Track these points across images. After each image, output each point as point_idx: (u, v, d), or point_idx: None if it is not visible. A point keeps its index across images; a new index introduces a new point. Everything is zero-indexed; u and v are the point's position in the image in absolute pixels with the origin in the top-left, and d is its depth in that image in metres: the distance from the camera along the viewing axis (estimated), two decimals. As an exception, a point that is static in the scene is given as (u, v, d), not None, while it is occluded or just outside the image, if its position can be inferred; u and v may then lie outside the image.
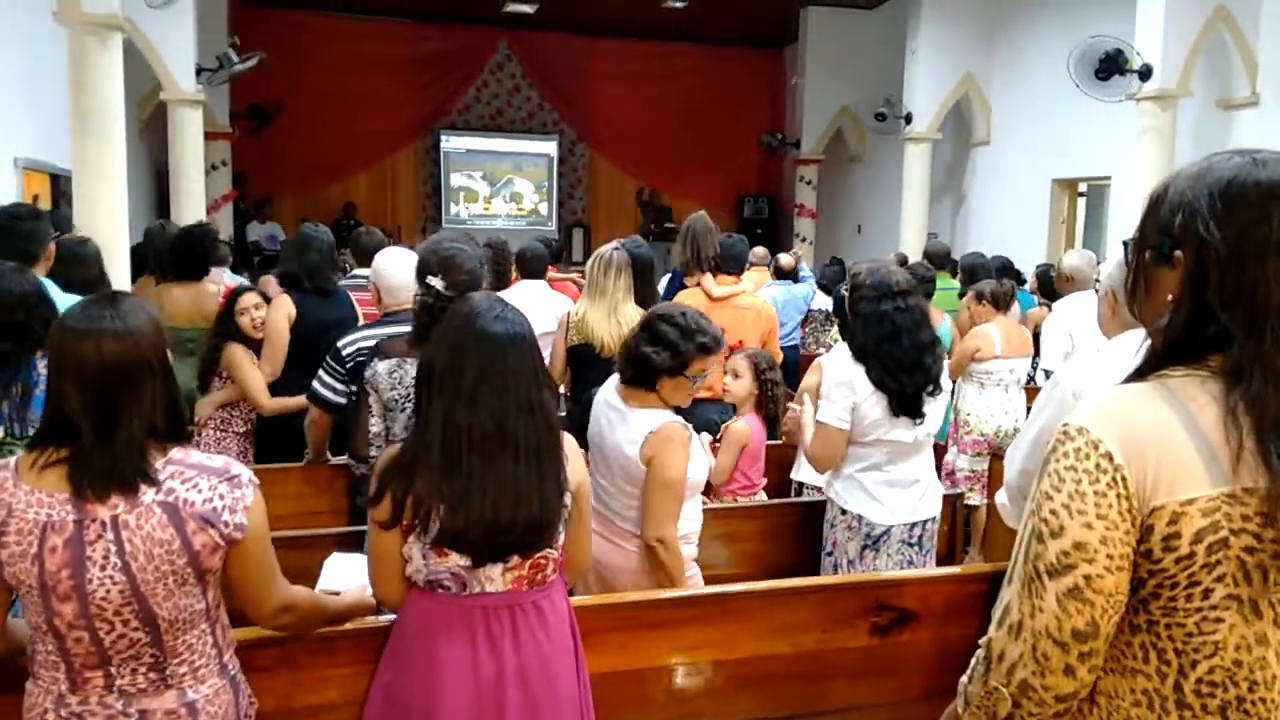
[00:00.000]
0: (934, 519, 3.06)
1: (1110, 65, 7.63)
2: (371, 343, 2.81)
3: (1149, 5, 7.43)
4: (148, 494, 1.57)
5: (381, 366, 2.65)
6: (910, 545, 2.99)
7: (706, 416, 4.41)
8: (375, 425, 2.68)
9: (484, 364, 1.82)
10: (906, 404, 2.88)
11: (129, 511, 1.56)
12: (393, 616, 2.01)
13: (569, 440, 2.01)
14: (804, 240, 13.83)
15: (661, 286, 5.55)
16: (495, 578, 1.86)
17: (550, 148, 15.86)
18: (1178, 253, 1.11)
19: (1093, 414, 1.11)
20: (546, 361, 4.15)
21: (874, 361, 2.90)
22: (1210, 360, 1.08)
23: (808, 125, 13.86)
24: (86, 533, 1.54)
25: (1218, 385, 1.06)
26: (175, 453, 1.63)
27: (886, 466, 2.97)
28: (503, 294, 4.70)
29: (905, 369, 2.88)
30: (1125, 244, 1.24)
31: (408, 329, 2.66)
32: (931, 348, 2.95)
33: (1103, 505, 1.06)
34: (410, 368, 2.62)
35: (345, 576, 2.21)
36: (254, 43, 9.91)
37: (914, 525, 3.00)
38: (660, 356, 2.52)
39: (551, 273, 6.01)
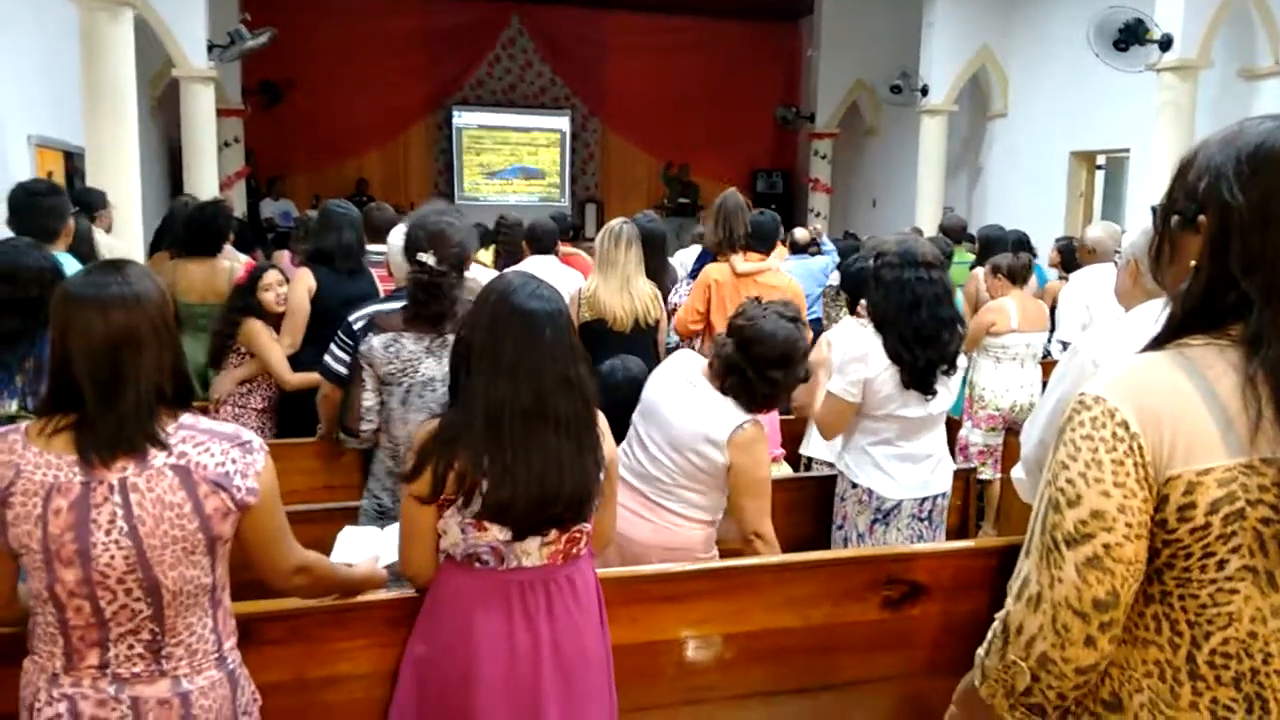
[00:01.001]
0: (944, 494, 3.05)
1: (1129, 35, 7.50)
2: (369, 318, 2.82)
3: (1170, -27, 7.30)
4: (159, 457, 1.57)
5: (376, 341, 2.65)
6: (920, 520, 2.98)
7: None
8: (369, 399, 2.68)
9: (522, 340, 1.83)
10: (919, 377, 2.86)
11: (139, 474, 1.56)
12: (408, 591, 2.02)
13: (600, 416, 2.01)
14: (818, 215, 13.74)
15: (689, 262, 5.54)
16: (532, 551, 1.88)
17: (563, 123, 15.79)
18: (1202, 217, 1.09)
19: (1109, 383, 1.09)
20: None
21: (892, 330, 2.88)
22: (1231, 329, 1.06)
23: (822, 99, 13.74)
24: (93, 495, 1.54)
25: (1237, 354, 1.05)
26: (186, 418, 1.63)
27: (898, 441, 2.96)
28: (512, 269, 4.75)
29: (921, 341, 2.86)
30: (1153, 209, 1.21)
31: (401, 306, 2.66)
32: (951, 324, 2.92)
33: (1120, 473, 1.04)
34: (407, 342, 2.62)
35: (358, 550, 2.22)
36: (265, 18, 9.87)
37: (924, 500, 2.99)
38: (761, 389, 2.56)
39: (564, 247, 6.00)
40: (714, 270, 4.45)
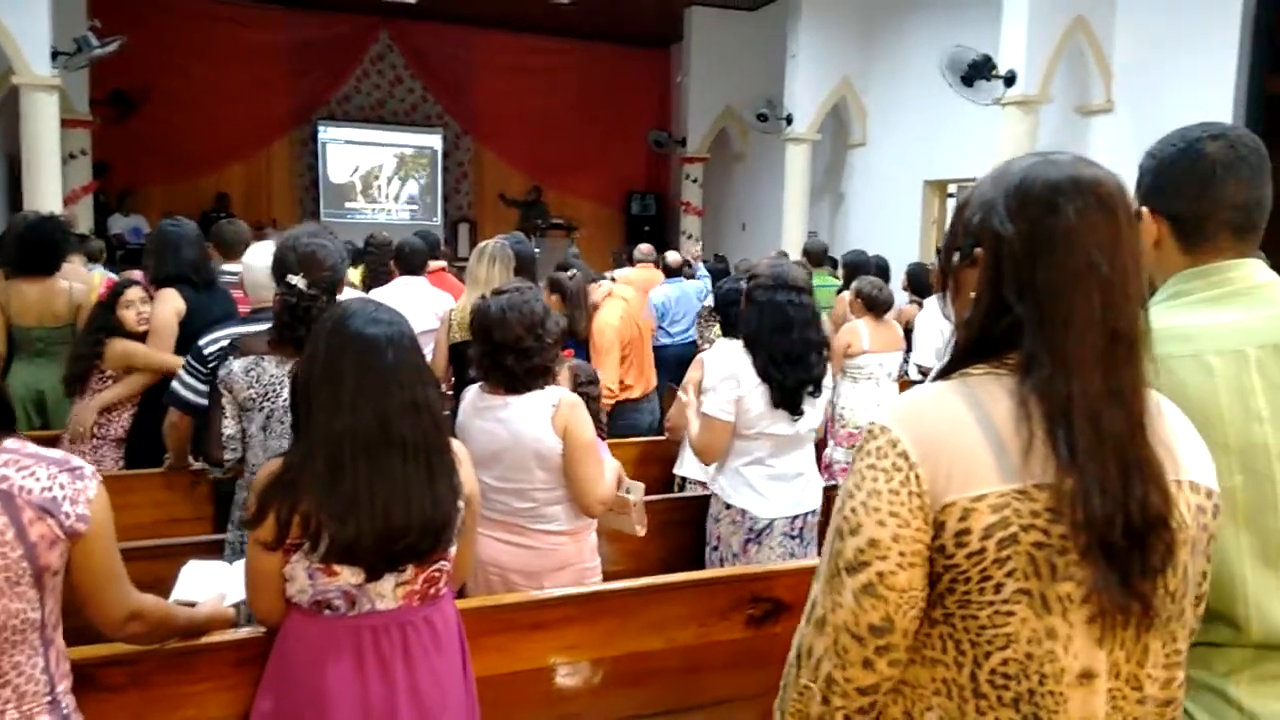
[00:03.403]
0: (814, 511, 3.14)
1: (977, 71, 7.96)
2: (229, 341, 2.70)
3: (1013, 14, 7.78)
4: None
5: (237, 365, 2.54)
6: (792, 538, 3.05)
7: (636, 419, 4.45)
8: (230, 427, 2.56)
9: (363, 368, 1.76)
10: (787, 397, 2.94)
11: None
12: (259, 630, 1.93)
13: (459, 446, 1.97)
14: (690, 237, 13.98)
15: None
16: (386, 594, 1.80)
17: (435, 141, 15.57)
18: (978, 250, 1.14)
19: (893, 413, 1.13)
20: (428, 360, 4.11)
21: (762, 350, 2.95)
22: (1009, 358, 1.10)
23: (693, 124, 14.01)
24: None
25: (1013, 380, 1.09)
26: (10, 442, 1.52)
27: (769, 460, 3.02)
28: (381, 291, 4.65)
29: (790, 362, 2.94)
30: (938, 250, 1.27)
31: (264, 329, 2.57)
32: (818, 347, 3.01)
33: (895, 503, 1.07)
34: (269, 366, 2.52)
35: (202, 586, 2.11)
36: (117, 25, 9.37)
37: (795, 518, 3.06)
38: (525, 363, 2.56)
39: (436, 264, 5.91)
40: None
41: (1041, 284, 1.07)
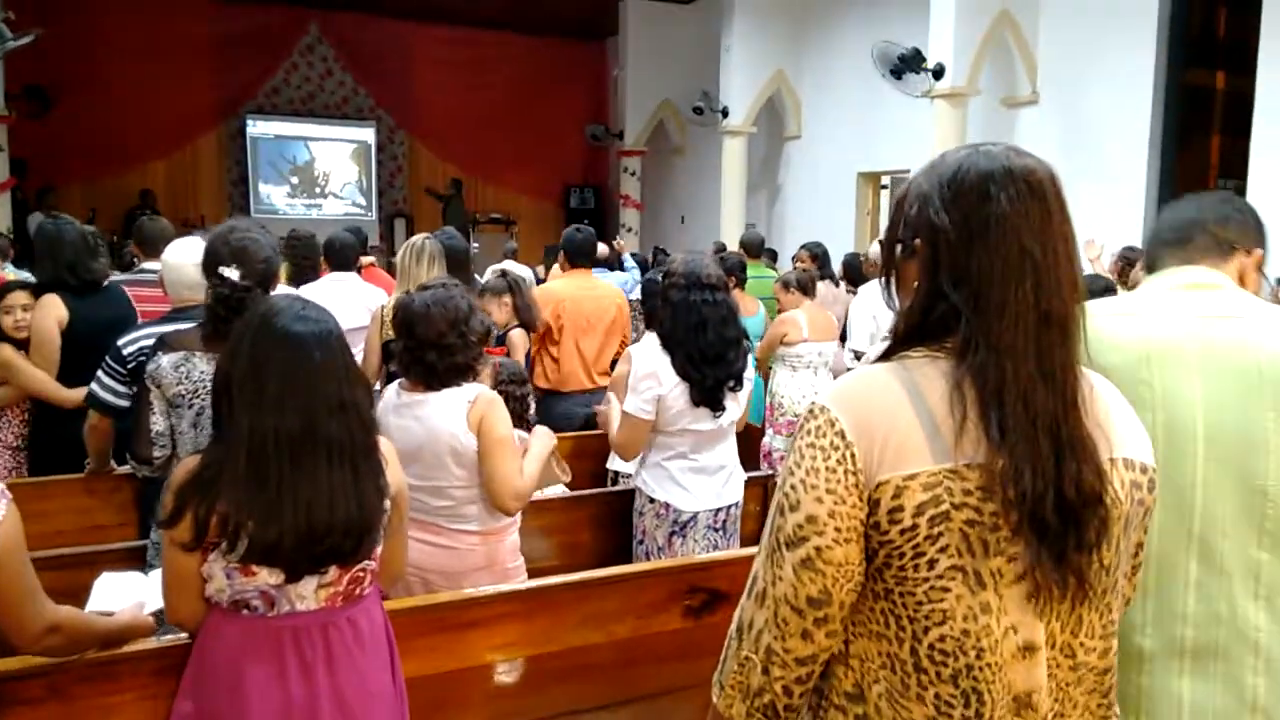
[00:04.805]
0: (737, 504, 3.15)
1: (907, 64, 8.09)
2: (154, 340, 2.63)
3: (940, 8, 7.92)
4: None
5: (166, 360, 2.47)
6: (716, 530, 3.07)
7: (572, 409, 4.43)
8: (158, 423, 2.50)
9: (288, 366, 1.72)
10: (707, 395, 2.94)
11: None
12: (181, 636, 1.88)
13: (387, 444, 1.93)
14: (630, 230, 13.98)
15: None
16: (307, 595, 1.77)
17: (368, 134, 15.33)
18: (917, 241, 1.17)
19: (833, 393, 1.16)
20: (359, 358, 4.03)
21: (680, 350, 2.94)
22: (948, 342, 1.13)
23: (630, 117, 14.01)
24: None
25: (950, 363, 1.12)
26: None
27: (692, 454, 3.03)
28: (311, 287, 4.56)
29: (709, 361, 2.94)
30: (880, 242, 1.29)
31: (195, 324, 2.50)
32: (736, 344, 3.01)
33: (832, 480, 1.10)
34: (198, 362, 2.46)
35: (118, 596, 2.05)
36: (32, 18, 9.05)
37: (719, 510, 3.08)
38: (447, 358, 2.51)
39: (367, 260, 5.83)
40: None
41: (976, 271, 1.10)
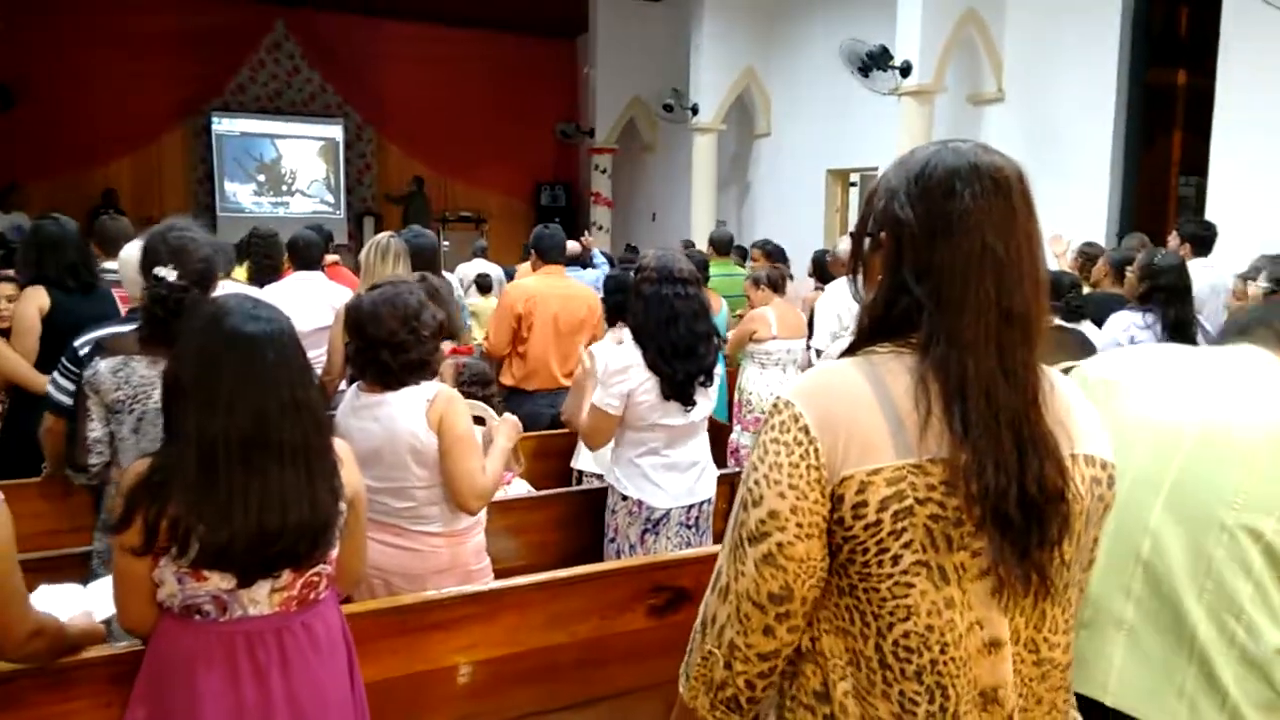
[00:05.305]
0: (709, 500, 3.16)
1: (874, 62, 8.12)
2: (96, 342, 2.58)
3: (907, 6, 7.96)
4: None
5: (104, 365, 2.42)
6: (688, 527, 3.07)
7: (539, 410, 4.41)
8: (96, 430, 2.44)
9: (240, 367, 1.69)
10: (677, 390, 2.94)
11: None
12: (135, 643, 1.85)
13: (342, 445, 1.91)
14: (601, 228, 13.95)
15: (470, 275, 5.45)
16: (260, 600, 1.74)
17: (336, 132, 15.18)
18: (883, 234, 1.17)
19: (798, 389, 1.16)
20: (323, 357, 3.99)
21: (651, 344, 2.94)
22: (912, 337, 1.14)
23: (601, 115, 13.97)
24: None
25: (914, 358, 1.12)
26: None
27: (664, 450, 3.03)
28: (276, 286, 4.51)
29: (679, 355, 2.94)
30: (851, 235, 1.30)
31: (134, 327, 2.45)
32: (707, 338, 3.02)
33: (795, 476, 1.10)
34: (139, 366, 2.41)
35: (57, 609, 2.01)
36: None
37: (691, 507, 3.08)
38: (402, 356, 2.49)
39: (331, 258, 5.77)
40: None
41: (939, 266, 1.11)
